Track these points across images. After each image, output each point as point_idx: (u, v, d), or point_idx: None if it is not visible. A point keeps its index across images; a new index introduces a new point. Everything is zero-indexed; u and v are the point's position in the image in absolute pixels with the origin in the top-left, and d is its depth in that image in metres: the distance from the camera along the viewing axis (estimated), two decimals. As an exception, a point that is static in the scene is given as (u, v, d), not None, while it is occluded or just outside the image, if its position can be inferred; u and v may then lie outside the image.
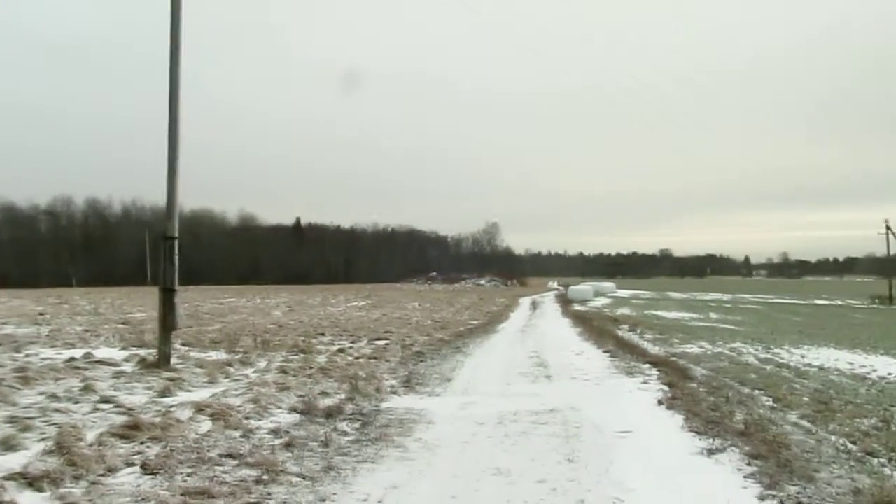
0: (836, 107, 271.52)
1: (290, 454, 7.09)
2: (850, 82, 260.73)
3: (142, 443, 7.19)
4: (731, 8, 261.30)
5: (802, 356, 18.54)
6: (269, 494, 5.82)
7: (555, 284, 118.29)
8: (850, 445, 7.85)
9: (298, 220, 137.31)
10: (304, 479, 6.29)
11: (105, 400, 9.45)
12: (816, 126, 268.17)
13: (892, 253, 70.62)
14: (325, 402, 9.79)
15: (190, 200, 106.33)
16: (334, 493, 5.94)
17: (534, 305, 52.47)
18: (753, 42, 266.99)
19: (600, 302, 59.75)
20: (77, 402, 9.29)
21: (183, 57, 13.56)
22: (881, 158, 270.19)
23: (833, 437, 8.24)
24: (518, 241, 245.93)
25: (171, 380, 11.26)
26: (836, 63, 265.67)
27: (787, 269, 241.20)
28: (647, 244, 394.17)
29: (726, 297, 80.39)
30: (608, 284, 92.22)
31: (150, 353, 14.03)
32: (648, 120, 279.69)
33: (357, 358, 15.65)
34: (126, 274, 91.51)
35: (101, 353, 15.08)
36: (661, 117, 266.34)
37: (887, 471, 6.77)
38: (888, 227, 66.67)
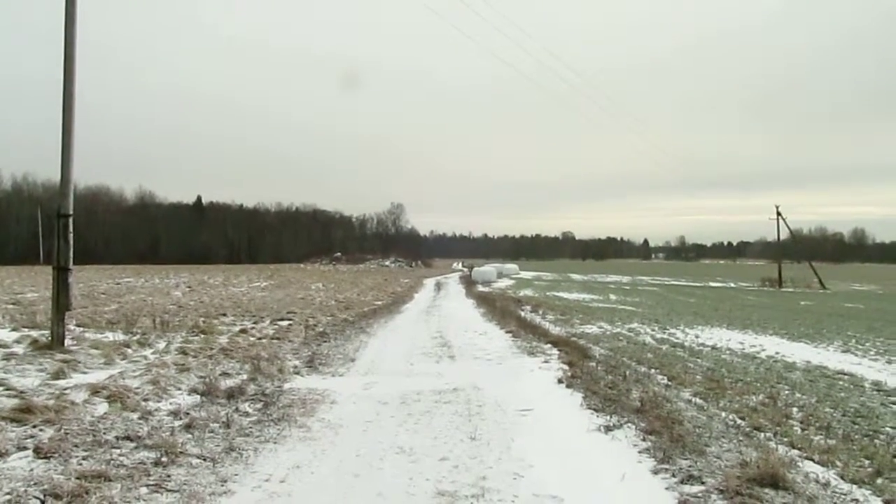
0: (734, 103, 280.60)
1: (190, 436, 6.99)
2: (747, 80, 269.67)
3: (34, 426, 6.96)
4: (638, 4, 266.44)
5: (697, 336, 19.19)
6: (169, 476, 5.73)
7: (459, 266, 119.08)
8: (738, 421, 8.20)
9: (199, 198, 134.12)
10: (204, 460, 6.22)
11: (-6, 382, 9.11)
12: (716, 119, 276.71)
13: (781, 238, 73.64)
14: (227, 383, 9.67)
15: (85, 177, 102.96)
16: (236, 475, 5.89)
17: (438, 286, 52.71)
18: (664, 36, 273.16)
19: (504, 283, 60.42)
20: (-36, 385, 8.92)
21: (79, 21, 13.07)
22: (775, 149, 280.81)
23: (723, 414, 8.59)
24: (423, 223, 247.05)
25: (65, 361, 10.91)
26: (735, 61, 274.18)
27: (684, 253, 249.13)
28: (550, 227, 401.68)
29: (625, 279, 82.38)
30: (512, 266, 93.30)
31: (43, 335, 13.56)
32: (556, 110, 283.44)
33: (259, 338, 15.49)
34: (17, 253, 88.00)
35: (-10, 334, 14.49)
36: (567, 108, 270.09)
37: (772, 444, 7.10)
38: (779, 213, 69.39)
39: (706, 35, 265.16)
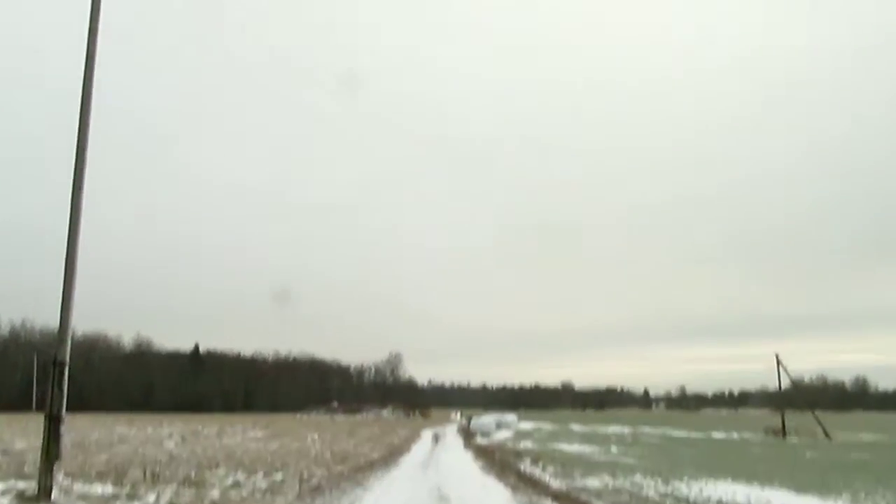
0: (729, 251, 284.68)
1: None
2: (743, 229, 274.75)
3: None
4: (645, 148, 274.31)
5: (701, 490, 18.73)
6: None
7: (457, 416, 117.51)
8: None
9: (197, 346, 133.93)
10: None
11: (-24, 537, 8.81)
12: (712, 267, 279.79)
13: (783, 387, 72.98)
14: (217, 540, 9.37)
15: (83, 323, 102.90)
16: None
17: (436, 438, 51.87)
18: (661, 189, 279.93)
19: (503, 434, 59.54)
20: (-56, 540, 8.63)
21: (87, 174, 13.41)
22: (771, 297, 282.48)
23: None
24: (421, 372, 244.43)
25: (50, 515, 10.59)
26: (731, 212, 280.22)
27: (685, 402, 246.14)
28: (550, 376, 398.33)
29: (626, 429, 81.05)
30: (511, 417, 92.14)
31: (31, 486, 13.22)
32: (554, 258, 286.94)
33: (252, 492, 15.12)
34: (10, 399, 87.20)
35: (-25, 486, 14.13)
36: (565, 256, 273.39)
37: None
38: (779, 362, 69.12)
39: (704, 187, 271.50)
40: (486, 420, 68.71)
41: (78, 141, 13.46)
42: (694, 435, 71.23)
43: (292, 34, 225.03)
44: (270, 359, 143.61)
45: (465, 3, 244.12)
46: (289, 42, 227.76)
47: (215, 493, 14.40)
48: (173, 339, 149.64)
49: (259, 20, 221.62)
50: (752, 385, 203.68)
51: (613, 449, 41.49)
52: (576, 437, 57.00)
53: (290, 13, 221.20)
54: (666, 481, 20.84)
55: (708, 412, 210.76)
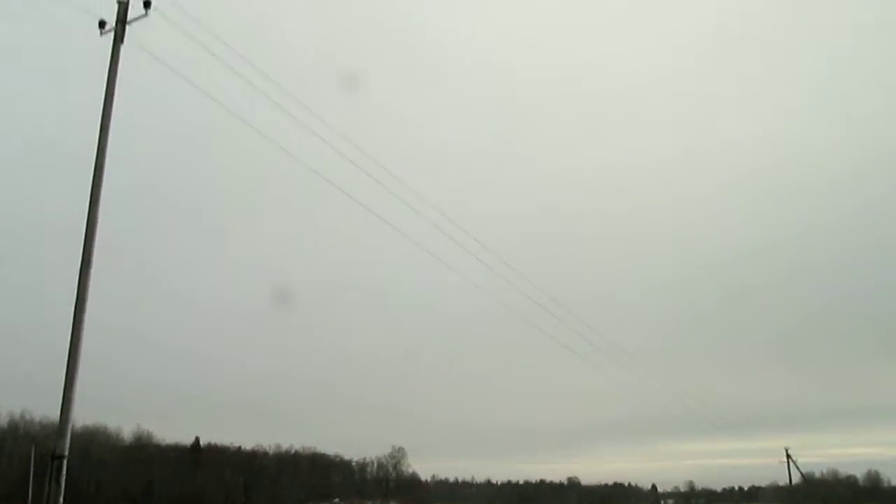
0: (736, 342, 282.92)
1: None
2: (753, 324, 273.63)
3: None
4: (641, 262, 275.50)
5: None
6: None
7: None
8: None
9: (197, 439, 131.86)
10: None
11: None
12: (718, 359, 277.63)
13: (793, 482, 71.54)
14: None
15: (83, 416, 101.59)
16: None
17: (440, 535, 50.79)
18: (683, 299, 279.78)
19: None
20: None
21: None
22: (781, 390, 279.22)
23: None
24: (424, 467, 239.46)
25: None
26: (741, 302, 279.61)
27: (695, 498, 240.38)
28: (555, 471, 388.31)
29: (635, 527, 79.32)
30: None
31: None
32: (559, 354, 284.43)
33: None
34: (5, 493, 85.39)
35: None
36: (572, 353, 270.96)
37: None
38: (788, 456, 68.07)
39: (716, 285, 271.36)
40: (490, 517, 67.34)
41: (85, 236, 13.54)
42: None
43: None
44: (271, 452, 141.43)
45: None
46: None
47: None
48: (174, 432, 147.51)
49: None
50: (762, 480, 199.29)
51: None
52: (583, 535, 55.71)
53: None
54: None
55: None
